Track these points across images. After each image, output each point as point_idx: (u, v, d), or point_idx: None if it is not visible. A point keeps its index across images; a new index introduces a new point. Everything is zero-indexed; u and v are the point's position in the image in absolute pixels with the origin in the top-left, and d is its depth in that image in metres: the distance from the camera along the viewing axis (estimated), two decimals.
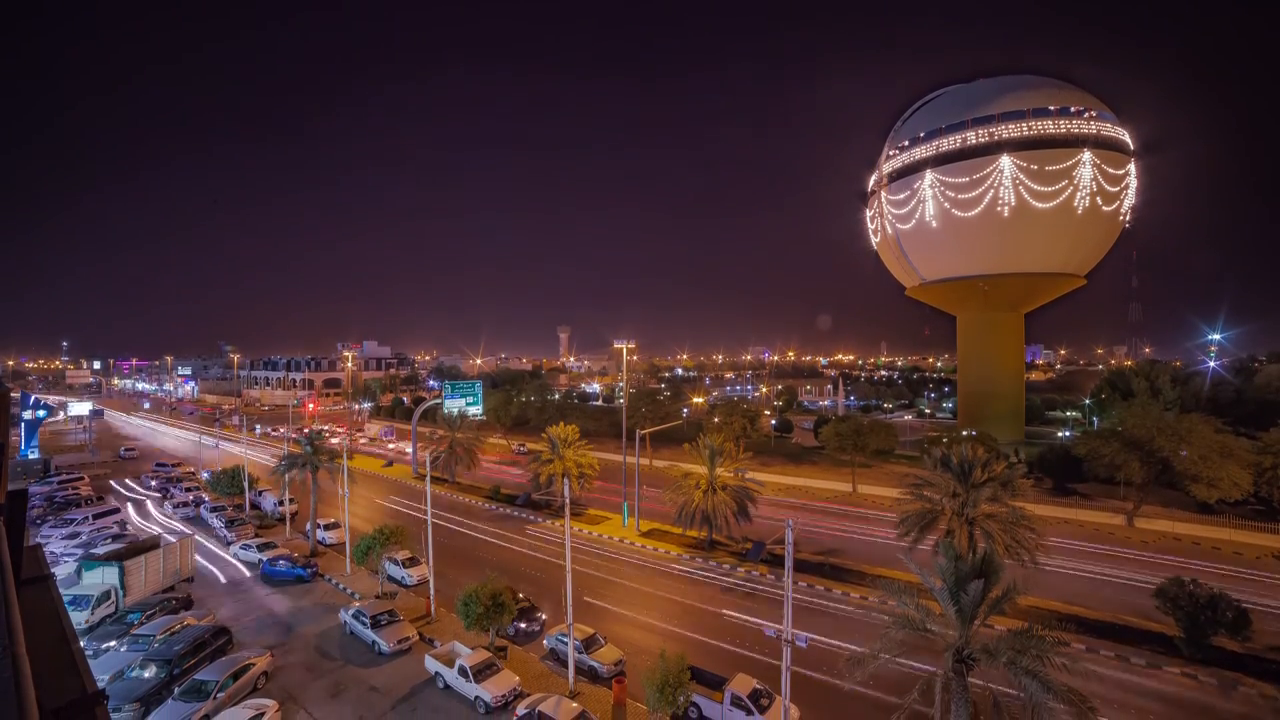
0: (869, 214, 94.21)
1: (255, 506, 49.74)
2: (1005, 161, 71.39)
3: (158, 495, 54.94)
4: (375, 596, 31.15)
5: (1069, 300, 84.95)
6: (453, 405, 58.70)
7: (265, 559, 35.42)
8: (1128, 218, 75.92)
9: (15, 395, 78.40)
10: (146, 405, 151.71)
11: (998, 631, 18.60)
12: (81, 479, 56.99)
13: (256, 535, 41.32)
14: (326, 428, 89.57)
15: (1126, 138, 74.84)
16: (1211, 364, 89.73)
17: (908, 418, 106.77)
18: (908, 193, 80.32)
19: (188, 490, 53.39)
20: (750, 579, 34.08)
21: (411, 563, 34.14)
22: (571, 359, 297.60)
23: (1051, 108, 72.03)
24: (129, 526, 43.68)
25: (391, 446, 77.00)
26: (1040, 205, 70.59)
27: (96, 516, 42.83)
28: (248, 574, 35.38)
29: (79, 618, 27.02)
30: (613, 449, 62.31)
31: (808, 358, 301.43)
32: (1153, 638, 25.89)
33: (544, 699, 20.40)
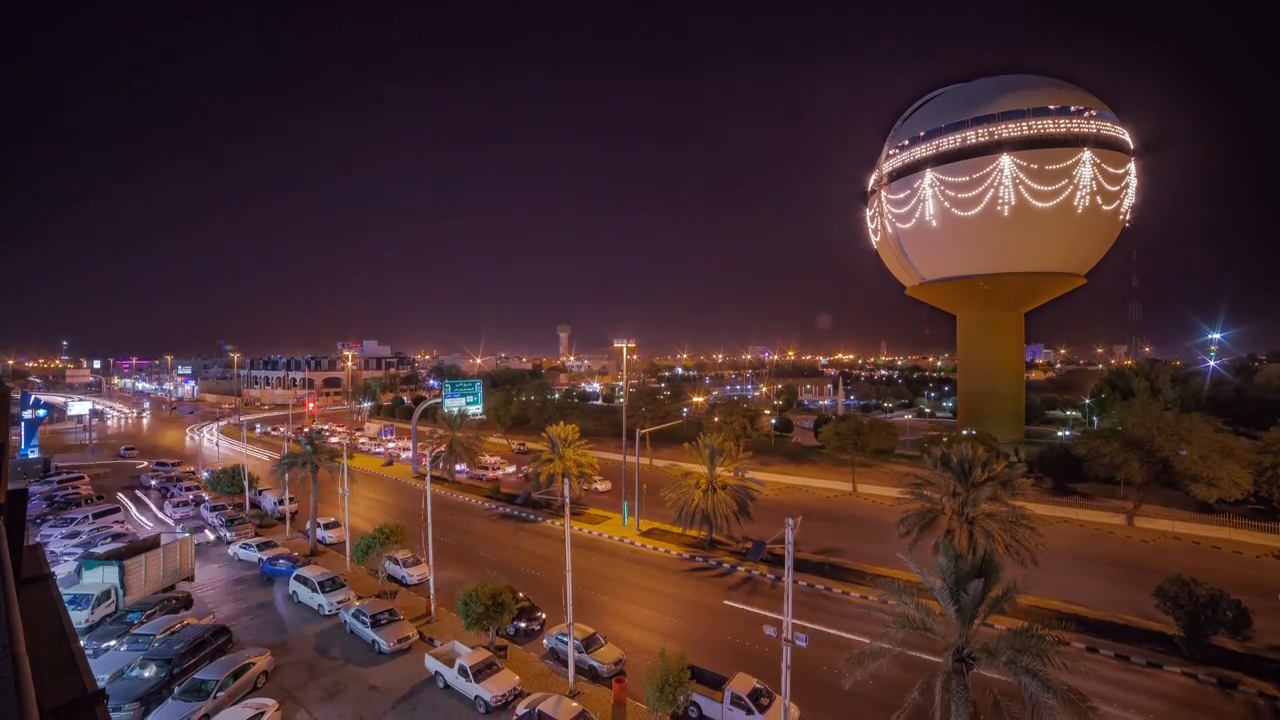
0: (869, 213, 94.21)
1: (255, 506, 49.77)
2: (1005, 161, 71.37)
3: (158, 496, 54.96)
4: (375, 595, 31.17)
5: (1069, 300, 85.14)
6: (453, 404, 58.73)
7: (265, 558, 35.41)
8: (1128, 217, 75.94)
9: (15, 395, 78.42)
10: (147, 405, 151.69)
11: (998, 631, 18.60)
12: (81, 478, 56.99)
13: (257, 534, 41.33)
14: (326, 427, 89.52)
15: (1126, 137, 74.83)
16: (1211, 363, 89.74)
17: (908, 417, 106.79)
18: (908, 192, 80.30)
19: (188, 490, 53.39)
20: (750, 578, 34.10)
21: (411, 562, 34.16)
22: (571, 358, 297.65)
23: (1051, 107, 72.02)
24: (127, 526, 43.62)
25: (391, 445, 76.96)
26: (1040, 204, 70.58)
27: (96, 516, 42.84)
28: (248, 573, 35.40)
29: (79, 617, 27.00)
30: (613, 448, 62.31)
31: (808, 357, 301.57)
32: (1153, 637, 25.89)
33: (544, 698, 20.40)
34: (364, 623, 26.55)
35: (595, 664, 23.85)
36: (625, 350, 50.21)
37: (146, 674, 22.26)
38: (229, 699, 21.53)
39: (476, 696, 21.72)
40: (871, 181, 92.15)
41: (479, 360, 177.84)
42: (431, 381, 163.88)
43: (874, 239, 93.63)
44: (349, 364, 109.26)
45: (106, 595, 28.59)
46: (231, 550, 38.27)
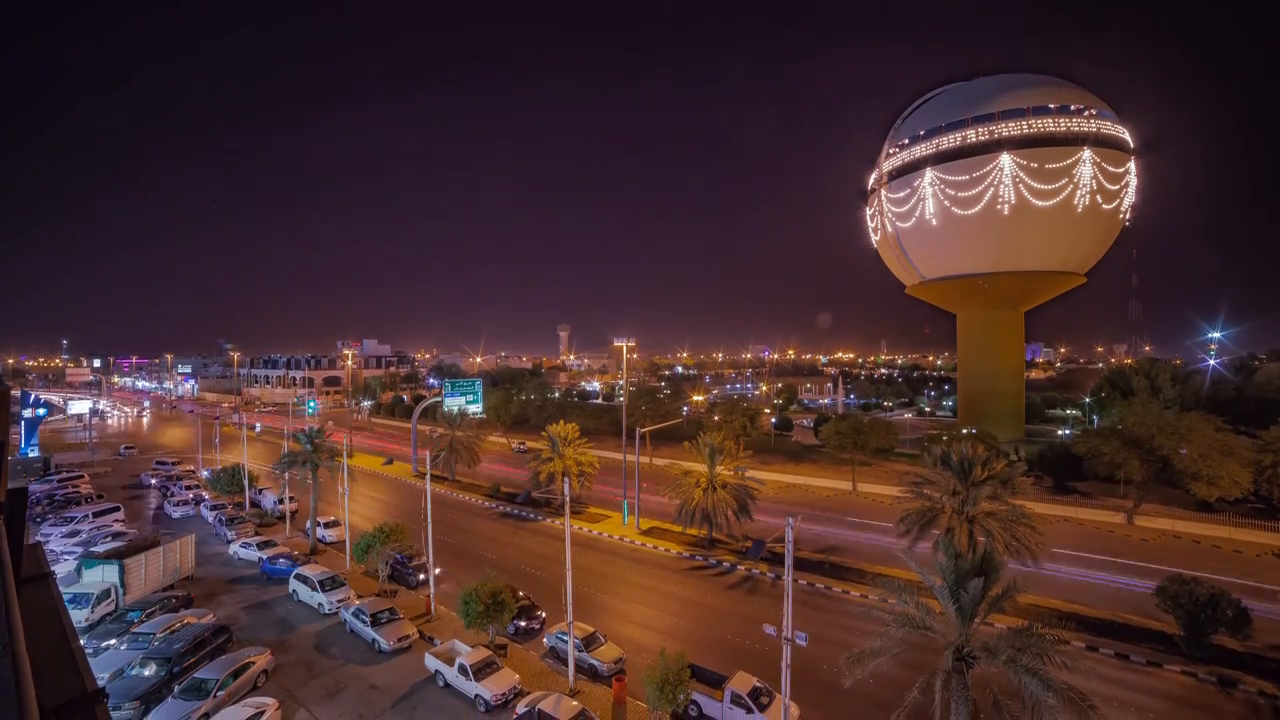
0: (869, 212, 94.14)
1: (255, 505, 49.77)
2: (1005, 159, 71.31)
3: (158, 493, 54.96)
4: (375, 594, 31.19)
5: (1069, 298, 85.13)
6: (453, 403, 58.67)
7: (265, 557, 35.41)
8: (1128, 216, 75.91)
9: (15, 393, 78.36)
10: (147, 404, 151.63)
11: (998, 629, 18.61)
12: (81, 477, 56.99)
13: (257, 533, 41.34)
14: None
15: (1126, 136, 74.76)
16: (1211, 362, 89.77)
17: (908, 416, 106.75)
18: (908, 191, 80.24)
19: (188, 488, 53.38)
20: (750, 577, 34.12)
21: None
22: (571, 357, 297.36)
23: (1051, 106, 71.95)
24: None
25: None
26: (1040, 203, 70.53)
27: (96, 515, 42.83)
28: (247, 572, 35.40)
29: (79, 616, 27.01)
30: (613, 447, 62.31)
31: (808, 356, 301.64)
32: (1153, 636, 25.91)
33: (544, 697, 20.42)
34: (364, 621, 26.57)
35: (595, 663, 23.86)
36: (625, 349, 50.17)
37: (146, 673, 22.28)
38: (229, 698, 21.55)
39: (476, 695, 21.73)
40: (871, 180, 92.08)
41: (479, 359, 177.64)
42: (431, 380, 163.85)
43: (874, 238, 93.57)
44: (349, 363, 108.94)
45: (106, 594, 28.61)
46: (231, 549, 38.29)
